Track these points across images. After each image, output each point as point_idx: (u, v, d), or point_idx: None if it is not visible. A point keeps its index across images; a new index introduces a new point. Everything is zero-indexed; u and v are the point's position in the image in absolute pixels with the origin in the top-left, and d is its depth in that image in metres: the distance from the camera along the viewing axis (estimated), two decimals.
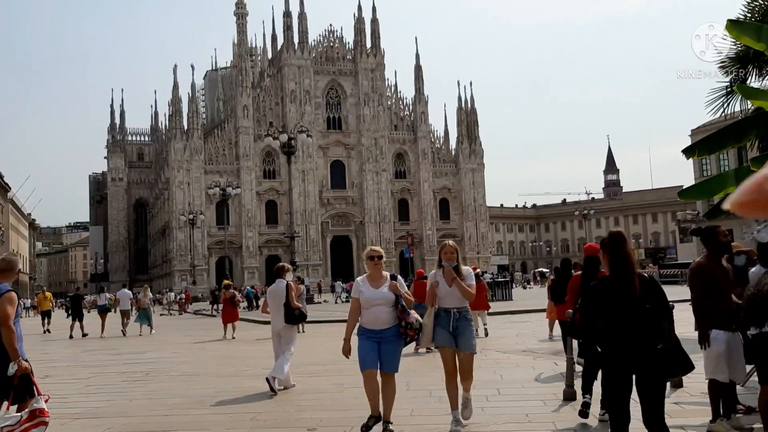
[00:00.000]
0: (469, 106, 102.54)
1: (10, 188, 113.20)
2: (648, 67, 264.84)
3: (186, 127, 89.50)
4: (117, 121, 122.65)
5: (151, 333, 23.79)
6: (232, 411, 8.17)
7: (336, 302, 45.03)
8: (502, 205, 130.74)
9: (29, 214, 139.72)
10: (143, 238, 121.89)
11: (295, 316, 10.11)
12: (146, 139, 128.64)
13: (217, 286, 45.94)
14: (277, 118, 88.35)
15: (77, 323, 23.69)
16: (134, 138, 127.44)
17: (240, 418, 7.67)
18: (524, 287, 64.38)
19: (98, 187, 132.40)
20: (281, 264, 11.11)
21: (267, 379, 9.37)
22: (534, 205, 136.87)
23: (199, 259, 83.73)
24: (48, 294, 30.29)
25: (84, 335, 23.45)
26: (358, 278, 6.84)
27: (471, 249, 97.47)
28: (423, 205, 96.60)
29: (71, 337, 23.10)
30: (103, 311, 25.18)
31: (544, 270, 75.75)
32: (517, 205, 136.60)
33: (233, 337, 20.49)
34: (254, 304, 39.54)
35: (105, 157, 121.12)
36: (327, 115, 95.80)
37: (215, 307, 36.48)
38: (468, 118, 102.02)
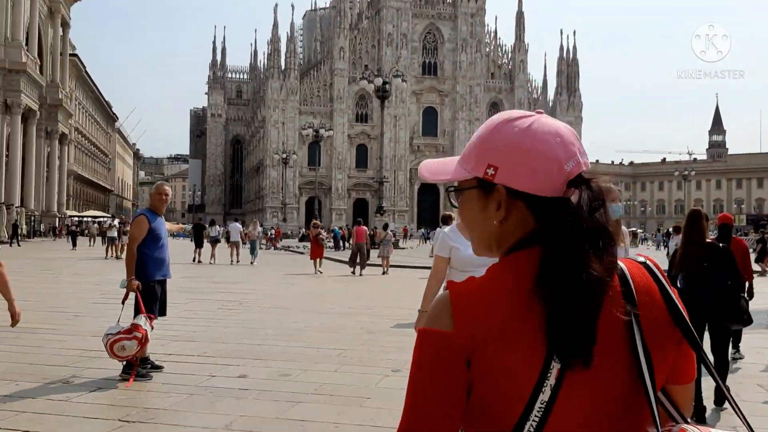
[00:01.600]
0: (571, 56, 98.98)
1: (117, 118, 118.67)
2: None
3: (283, 67, 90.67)
4: (218, 58, 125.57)
5: (252, 264, 25.97)
6: (320, 345, 8.42)
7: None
8: (597, 161, 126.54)
9: (134, 144, 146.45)
10: (238, 173, 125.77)
11: None
12: (245, 76, 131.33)
13: (306, 227, 47.12)
14: (372, 61, 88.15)
15: (198, 249, 26.79)
16: (234, 75, 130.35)
17: (327, 353, 7.90)
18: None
19: (198, 121, 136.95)
20: (448, 213, 12.10)
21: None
22: (631, 163, 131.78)
23: (290, 197, 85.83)
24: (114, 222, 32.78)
25: (198, 262, 26.03)
26: (446, 229, 4.92)
27: None
28: None
29: (196, 261, 26.06)
30: (214, 242, 27.65)
31: (638, 230, 73.28)
32: (613, 162, 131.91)
33: (320, 272, 21.56)
34: (341, 245, 40.29)
35: (205, 93, 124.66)
36: (422, 60, 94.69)
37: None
38: (569, 68, 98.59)
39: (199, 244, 27.03)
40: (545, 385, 0.99)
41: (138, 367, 6.28)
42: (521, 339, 1.00)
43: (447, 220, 11.88)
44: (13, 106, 54.76)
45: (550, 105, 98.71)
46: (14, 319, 4.61)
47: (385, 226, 27.46)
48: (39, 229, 56.46)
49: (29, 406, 5.33)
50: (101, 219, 62.91)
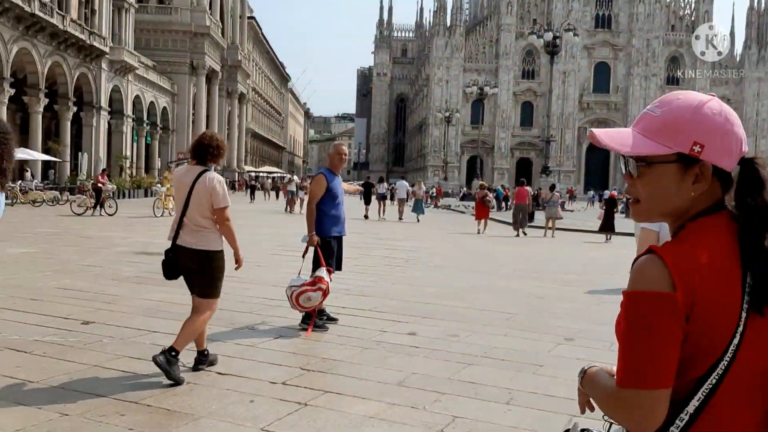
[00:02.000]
0: (763, 5, 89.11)
1: (290, 78, 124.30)
2: None
3: (449, 24, 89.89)
4: (385, 17, 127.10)
5: (418, 221, 27.19)
6: (486, 308, 8.35)
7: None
8: None
9: (305, 104, 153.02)
10: (401, 132, 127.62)
11: None
12: (410, 35, 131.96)
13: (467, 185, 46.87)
14: (541, 15, 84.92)
15: (367, 207, 28.56)
16: (399, 34, 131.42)
17: (495, 316, 7.81)
18: None
19: (365, 81, 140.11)
20: None
21: None
22: None
23: (452, 156, 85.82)
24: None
25: (366, 218, 27.67)
26: None
27: None
28: None
29: (366, 217, 27.55)
30: (382, 198, 29.64)
31: None
32: None
33: (484, 232, 21.69)
34: (504, 205, 39.73)
35: (372, 53, 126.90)
36: (595, 13, 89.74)
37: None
38: (760, 19, 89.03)
39: (367, 201, 28.50)
40: (737, 330, 1.16)
41: (315, 318, 6.57)
42: (726, 291, 1.17)
43: None
44: (198, 68, 59.02)
45: (738, 59, 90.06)
46: (239, 264, 5.34)
47: (552, 187, 26.58)
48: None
49: (220, 350, 5.75)
50: (275, 174, 66.52)
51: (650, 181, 1.28)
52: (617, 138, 1.30)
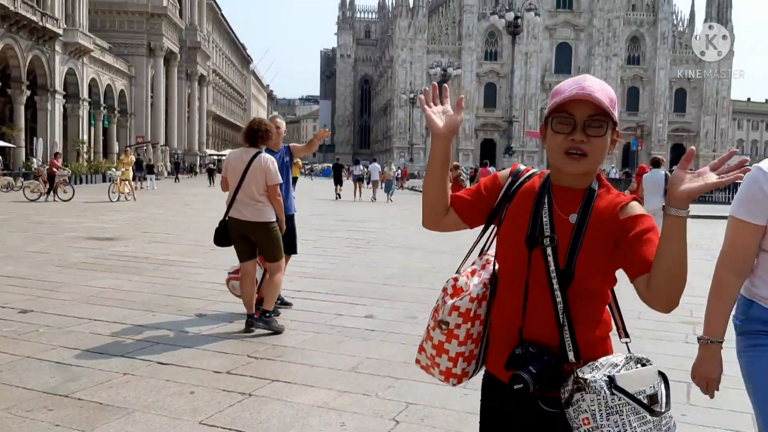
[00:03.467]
0: None
1: (251, 60, 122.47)
2: None
3: (411, 5, 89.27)
4: None
5: (389, 201, 28.28)
6: None
7: None
8: (749, 99, 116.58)
9: (267, 86, 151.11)
10: (366, 114, 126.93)
11: None
12: (374, 16, 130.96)
13: None
14: None
15: (338, 187, 29.48)
16: (363, 15, 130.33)
17: None
18: None
19: (328, 62, 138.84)
20: (658, 156, 12.09)
21: None
22: None
23: (417, 137, 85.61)
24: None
25: (338, 196, 28.40)
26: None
27: (707, 146, 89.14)
28: (656, 95, 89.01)
29: (338, 197, 28.72)
30: (358, 180, 30.51)
31: None
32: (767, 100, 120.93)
33: None
34: (468, 185, 39.80)
35: (335, 34, 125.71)
36: None
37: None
38: None
39: (338, 182, 29.40)
40: None
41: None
42: None
43: (659, 163, 11.24)
44: (156, 49, 57.65)
45: (698, 38, 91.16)
46: (282, 230, 5.87)
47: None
48: (183, 167, 59.79)
49: (164, 337, 5.44)
50: None
51: (602, 142, 1.66)
52: (611, 104, 1.65)
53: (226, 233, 5.76)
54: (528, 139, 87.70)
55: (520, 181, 1.81)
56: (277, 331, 5.61)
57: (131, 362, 4.74)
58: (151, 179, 34.82)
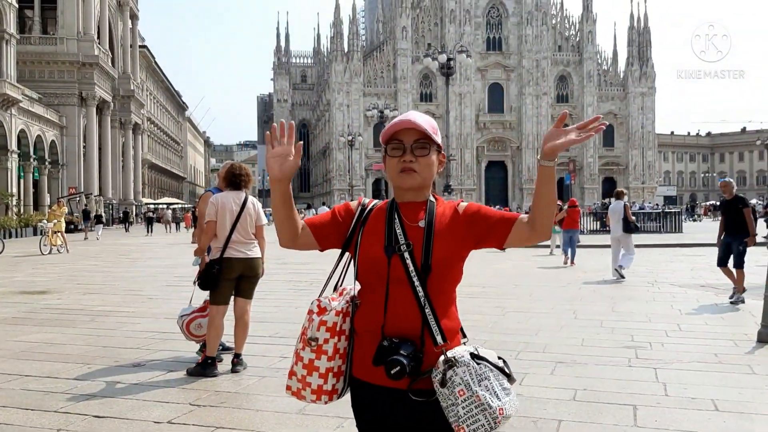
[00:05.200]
0: (642, 24, 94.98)
1: (187, 107, 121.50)
2: None
3: (347, 49, 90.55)
4: (282, 43, 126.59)
5: None
6: None
7: None
8: (672, 132, 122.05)
9: (204, 132, 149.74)
10: (305, 158, 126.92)
11: (630, 227, 13.71)
12: (309, 61, 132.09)
13: None
14: (435, 39, 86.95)
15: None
16: (298, 60, 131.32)
17: None
18: (694, 219, 60.50)
19: (265, 107, 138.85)
20: (620, 189, 14.67)
21: (615, 269, 13.06)
22: (708, 134, 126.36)
23: (357, 179, 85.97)
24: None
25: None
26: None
27: (636, 179, 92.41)
28: None
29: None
30: None
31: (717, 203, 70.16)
32: (689, 133, 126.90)
33: None
34: None
35: (271, 79, 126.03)
36: (486, 36, 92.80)
37: None
38: (640, 37, 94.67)
39: None
40: None
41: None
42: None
43: (620, 195, 14.04)
44: (88, 99, 56.57)
45: (621, 76, 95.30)
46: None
47: None
48: (117, 217, 58.33)
49: (101, 390, 5.22)
50: (176, 205, 64.33)
51: (428, 160, 2.03)
52: (432, 131, 2.04)
53: (217, 275, 5.88)
54: (466, 177, 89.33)
55: (369, 207, 2.11)
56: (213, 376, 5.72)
57: (65, 417, 4.52)
58: (98, 229, 35.43)
